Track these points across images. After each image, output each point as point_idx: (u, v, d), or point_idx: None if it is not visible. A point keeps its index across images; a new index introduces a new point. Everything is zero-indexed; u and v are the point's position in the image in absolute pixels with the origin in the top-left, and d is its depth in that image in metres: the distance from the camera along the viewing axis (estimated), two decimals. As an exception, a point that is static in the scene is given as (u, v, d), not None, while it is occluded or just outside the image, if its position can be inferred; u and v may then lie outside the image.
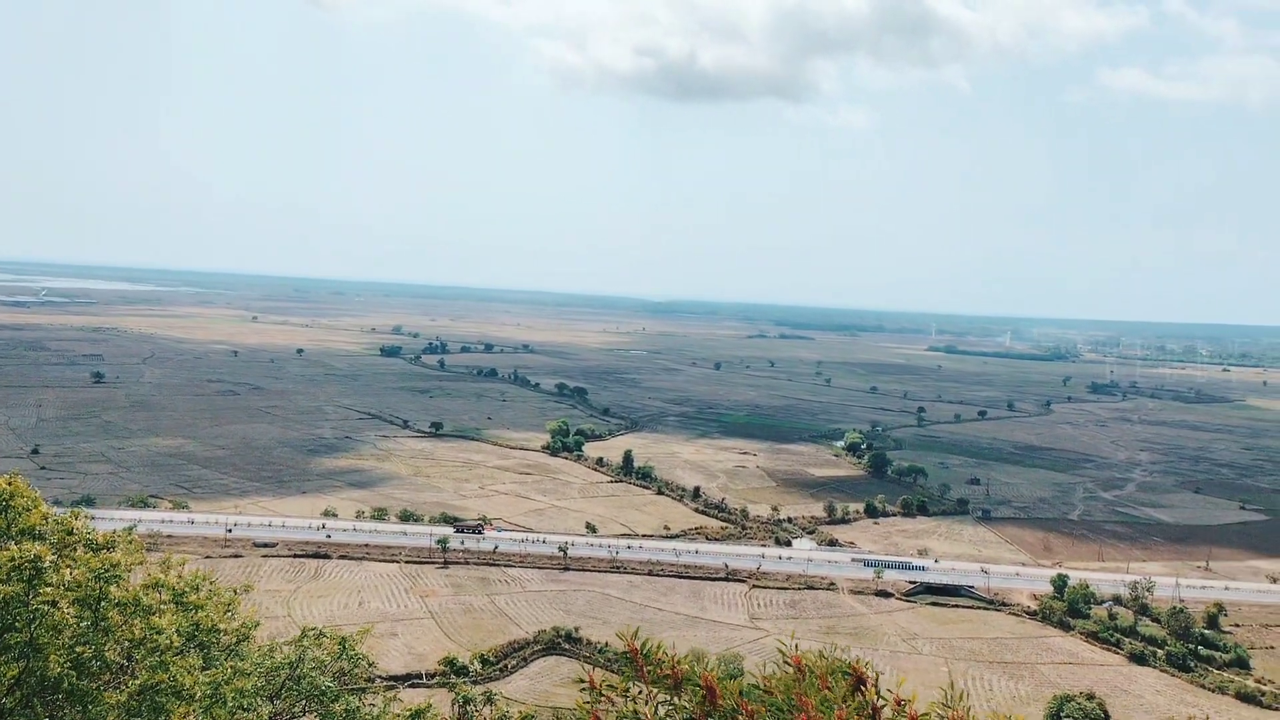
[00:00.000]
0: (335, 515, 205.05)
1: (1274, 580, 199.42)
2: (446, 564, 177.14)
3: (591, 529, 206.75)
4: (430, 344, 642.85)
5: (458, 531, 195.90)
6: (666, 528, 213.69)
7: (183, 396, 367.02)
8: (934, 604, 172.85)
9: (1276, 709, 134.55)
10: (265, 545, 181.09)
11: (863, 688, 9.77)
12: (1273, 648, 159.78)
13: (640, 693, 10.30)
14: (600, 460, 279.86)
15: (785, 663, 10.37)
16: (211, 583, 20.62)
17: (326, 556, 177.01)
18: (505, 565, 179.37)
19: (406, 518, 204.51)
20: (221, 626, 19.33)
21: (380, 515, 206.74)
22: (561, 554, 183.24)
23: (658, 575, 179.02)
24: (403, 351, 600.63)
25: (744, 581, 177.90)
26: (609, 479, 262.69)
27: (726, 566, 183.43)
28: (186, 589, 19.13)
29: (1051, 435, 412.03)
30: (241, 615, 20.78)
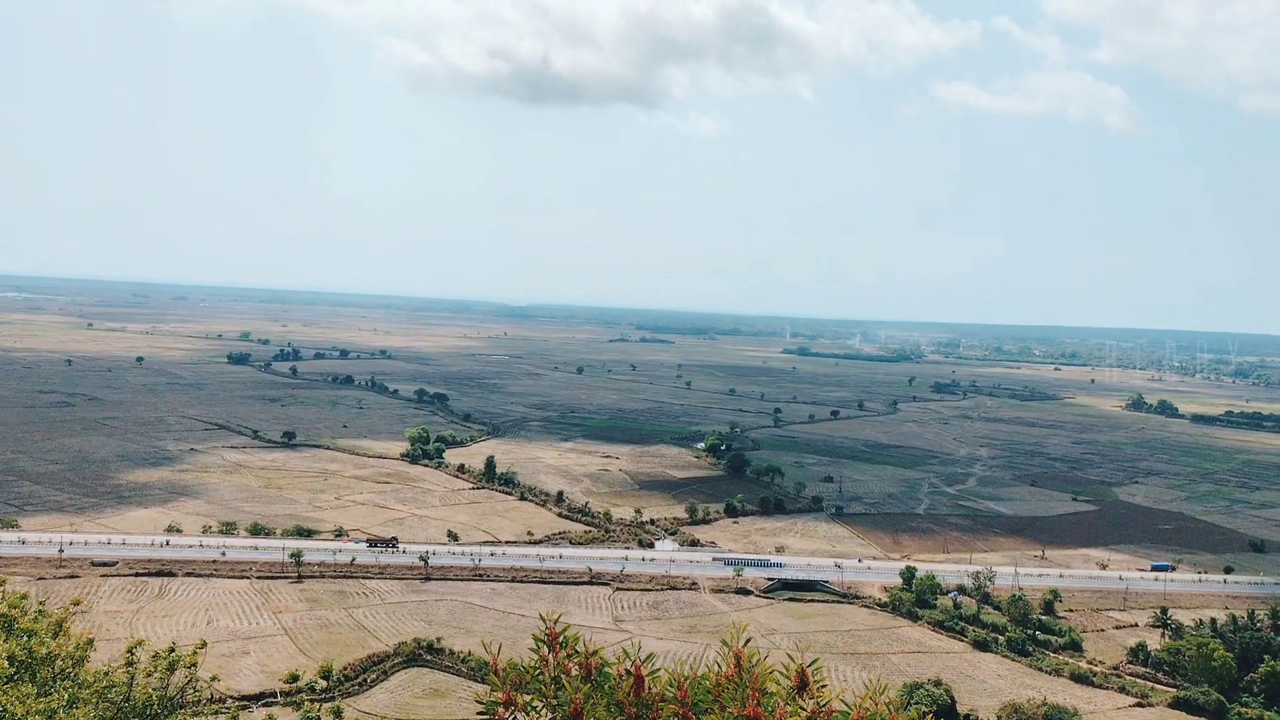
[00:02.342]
0: (180, 531, 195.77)
1: (1103, 567, 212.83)
2: (301, 578, 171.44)
3: (453, 537, 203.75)
4: (281, 350, 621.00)
5: (371, 547, 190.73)
6: (530, 533, 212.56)
7: (11, 409, 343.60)
8: (792, 599, 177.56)
9: (1106, 688, 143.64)
10: (104, 564, 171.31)
11: (805, 689, 9.94)
12: (1103, 630, 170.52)
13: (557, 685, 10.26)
14: (462, 467, 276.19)
15: (720, 659, 10.46)
16: (41, 604, 19.40)
17: (172, 574, 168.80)
18: (363, 577, 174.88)
19: (258, 531, 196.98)
20: (54, 650, 18.20)
21: (229, 530, 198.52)
22: (422, 564, 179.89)
23: (521, 582, 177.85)
24: (252, 359, 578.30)
25: (608, 585, 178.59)
26: (471, 486, 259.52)
27: (590, 570, 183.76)
28: (15, 613, 17.94)
29: (899, 433, 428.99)
30: (74, 637, 19.60)
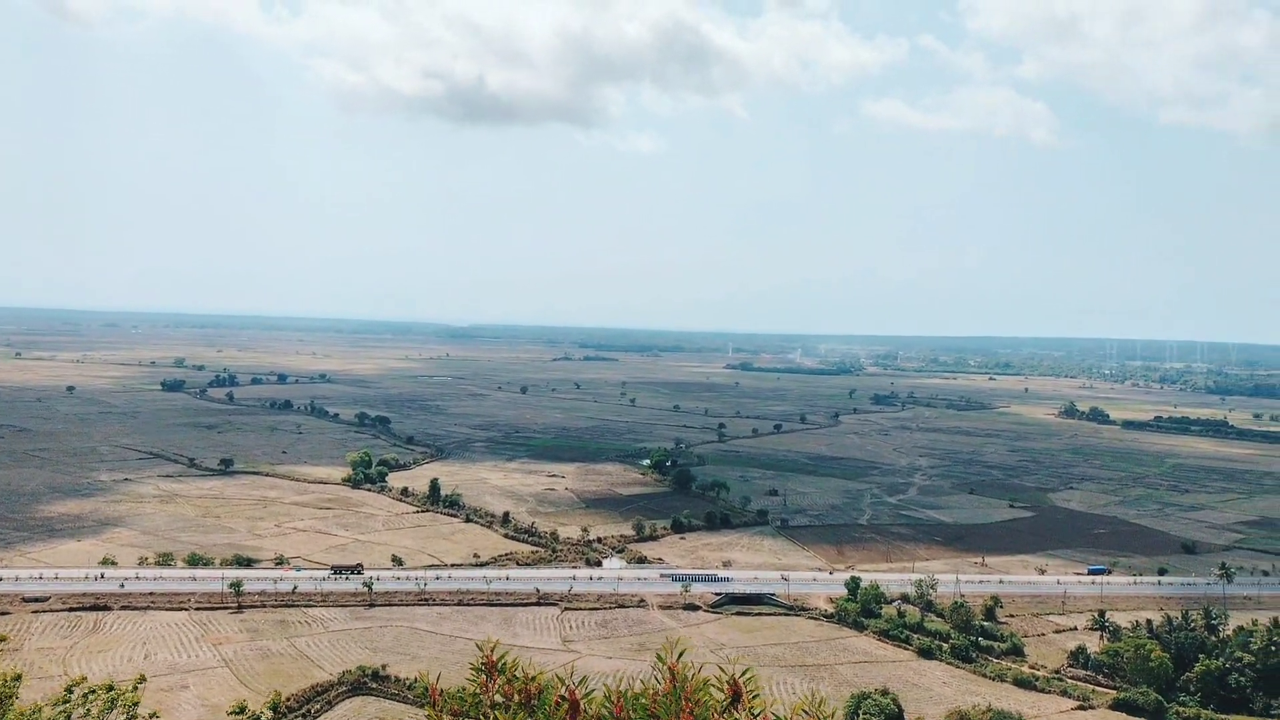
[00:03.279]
0: (115, 563, 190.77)
1: (1042, 572, 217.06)
2: (241, 608, 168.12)
3: (398, 562, 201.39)
4: (217, 376, 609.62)
5: (335, 573, 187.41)
6: (476, 556, 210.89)
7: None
8: (739, 613, 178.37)
9: (1049, 691, 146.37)
10: (35, 599, 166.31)
11: (739, 701, 10.23)
12: (1043, 635, 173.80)
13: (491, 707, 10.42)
14: (405, 490, 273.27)
15: (656, 677, 10.70)
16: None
17: (107, 608, 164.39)
18: (306, 605, 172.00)
19: (196, 562, 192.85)
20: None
21: (166, 560, 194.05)
22: (366, 590, 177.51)
23: (468, 605, 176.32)
24: (187, 385, 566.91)
25: (556, 605, 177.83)
26: (415, 509, 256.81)
27: (538, 591, 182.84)
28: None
29: (841, 445, 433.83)
30: (1, 674, 19.34)
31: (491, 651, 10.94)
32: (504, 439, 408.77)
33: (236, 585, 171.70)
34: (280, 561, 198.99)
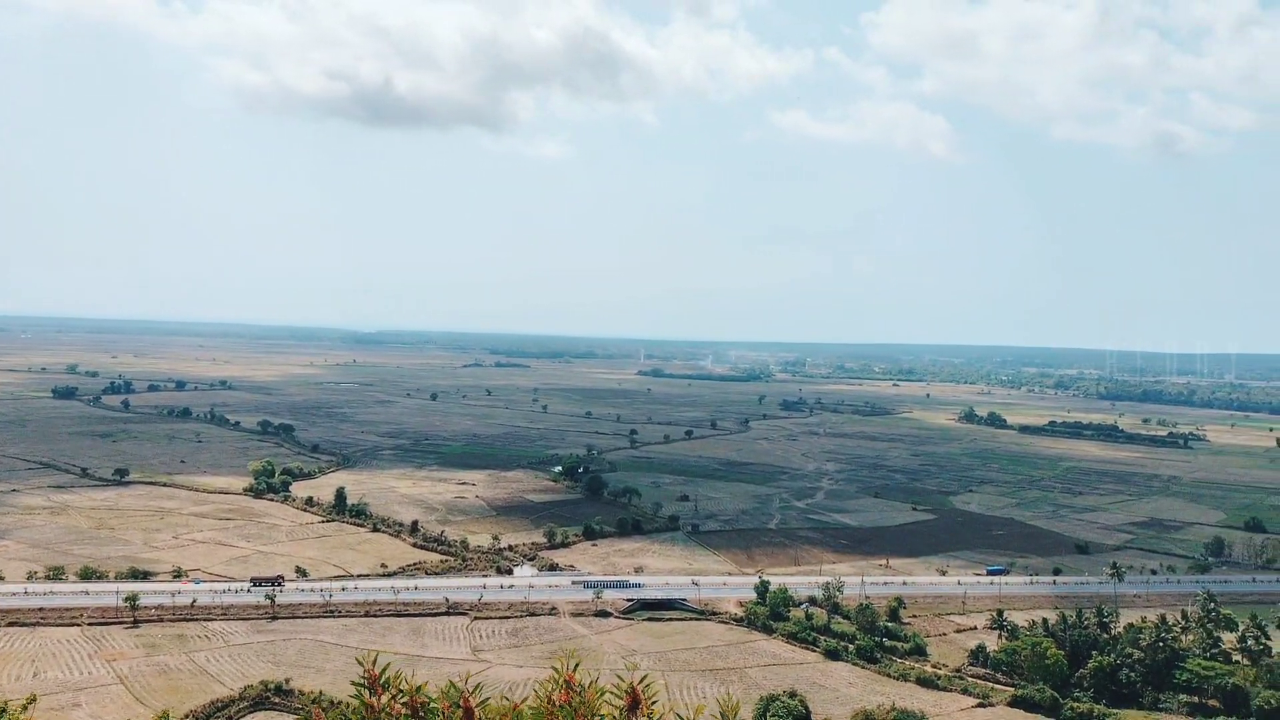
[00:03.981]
0: (2, 578, 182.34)
1: (943, 573, 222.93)
2: (137, 623, 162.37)
3: (302, 573, 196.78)
4: (112, 383, 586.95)
5: (256, 585, 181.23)
6: (384, 566, 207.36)
7: None
8: (651, 619, 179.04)
9: (950, 690, 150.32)
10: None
11: (637, 708, 10.30)
12: (945, 634, 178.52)
13: None
14: (310, 500, 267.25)
15: (553, 685, 10.69)
16: None
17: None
18: (205, 619, 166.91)
19: (88, 575, 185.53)
20: None
21: (57, 574, 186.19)
22: (269, 602, 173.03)
23: (375, 616, 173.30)
24: (79, 392, 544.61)
25: (466, 614, 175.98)
26: (320, 519, 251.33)
27: (447, 600, 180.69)
28: None
29: (751, 451, 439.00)
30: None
31: (373, 665, 10.82)
32: (413, 446, 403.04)
33: (132, 599, 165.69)
34: (179, 574, 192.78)
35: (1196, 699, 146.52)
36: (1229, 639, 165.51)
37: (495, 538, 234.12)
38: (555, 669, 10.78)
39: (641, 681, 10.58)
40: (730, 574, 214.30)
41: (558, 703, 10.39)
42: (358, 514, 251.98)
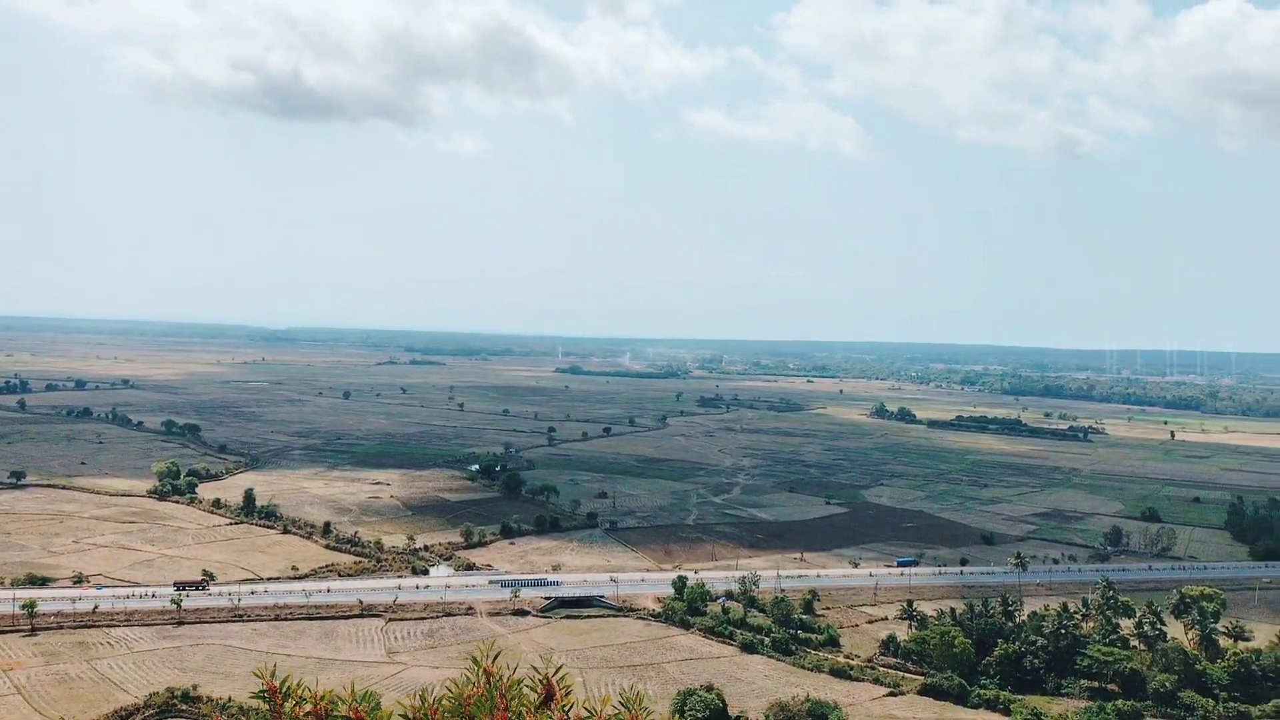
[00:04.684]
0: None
1: (855, 565, 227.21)
2: (35, 630, 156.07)
3: (210, 576, 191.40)
4: (7, 382, 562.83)
5: (179, 590, 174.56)
6: (295, 568, 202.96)
7: None
8: (569, 617, 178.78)
9: (863, 680, 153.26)
10: None
11: (552, 699, 10.30)
12: (857, 625, 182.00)
13: None
14: (218, 502, 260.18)
15: (472, 675, 10.62)
16: None
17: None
18: (108, 626, 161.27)
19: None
20: None
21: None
22: (175, 607, 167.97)
23: (286, 620, 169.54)
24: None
25: (380, 616, 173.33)
26: (228, 521, 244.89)
27: (361, 602, 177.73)
28: None
29: (668, 447, 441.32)
30: None
31: (271, 676, 10.61)
32: (325, 446, 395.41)
33: (29, 606, 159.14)
34: (79, 580, 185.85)
35: (1097, 684, 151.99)
36: (1127, 625, 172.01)
37: (410, 538, 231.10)
38: (474, 659, 10.73)
39: (556, 674, 10.61)
40: (648, 570, 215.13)
41: (476, 694, 10.36)
42: (267, 516, 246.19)
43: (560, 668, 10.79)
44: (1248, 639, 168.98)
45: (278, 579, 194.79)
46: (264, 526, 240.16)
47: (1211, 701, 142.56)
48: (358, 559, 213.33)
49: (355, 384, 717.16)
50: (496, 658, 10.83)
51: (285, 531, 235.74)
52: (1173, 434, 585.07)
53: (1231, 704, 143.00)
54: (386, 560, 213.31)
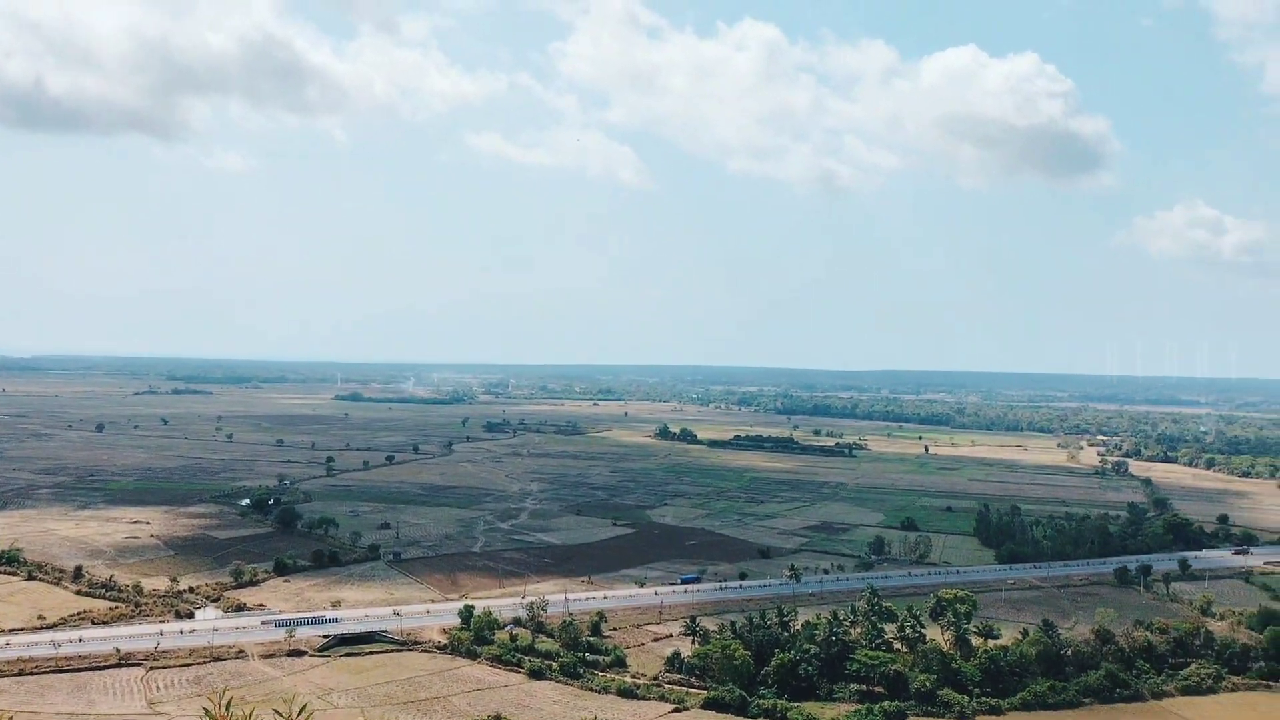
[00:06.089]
0: None
1: (641, 585, 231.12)
2: None
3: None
4: None
5: None
6: (42, 617, 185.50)
7: None
8: (349, 654, 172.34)
9: (649, 698, 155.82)
10: None
11: None
12: (643, 645, 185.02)
13: None
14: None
15: None
16: None
17: None
18: None
19: None
20: None
21: None
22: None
23: (31, 674, 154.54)
24: None
25: (140, 665, 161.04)
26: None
27: (119, 651, 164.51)
28: None
29: (455, 474, 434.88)
30: None
31: None
32: (76, 484, 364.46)
33: None
34: None
35: (865, 686, 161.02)
36: (890, 629, 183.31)
37: (174, 579, 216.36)
38: (206, 710, 10.66)
39: (301, 713, 10.73)
40: (434, 601, 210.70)
41: None
42: (10, 561, 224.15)
43: (305, 707, 10.90)
44: (996, 637, 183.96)
45: (21, 630, 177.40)
46: (5, 573, 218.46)
47: (966, 698, 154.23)
48: (114, 604, 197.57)
49: (111, 415, 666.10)
50: (229, 704, 10.81)
51: (30, 578, 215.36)
52: (926, 448, 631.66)
53: (984, 699, 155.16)
54: (147, 604, 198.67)
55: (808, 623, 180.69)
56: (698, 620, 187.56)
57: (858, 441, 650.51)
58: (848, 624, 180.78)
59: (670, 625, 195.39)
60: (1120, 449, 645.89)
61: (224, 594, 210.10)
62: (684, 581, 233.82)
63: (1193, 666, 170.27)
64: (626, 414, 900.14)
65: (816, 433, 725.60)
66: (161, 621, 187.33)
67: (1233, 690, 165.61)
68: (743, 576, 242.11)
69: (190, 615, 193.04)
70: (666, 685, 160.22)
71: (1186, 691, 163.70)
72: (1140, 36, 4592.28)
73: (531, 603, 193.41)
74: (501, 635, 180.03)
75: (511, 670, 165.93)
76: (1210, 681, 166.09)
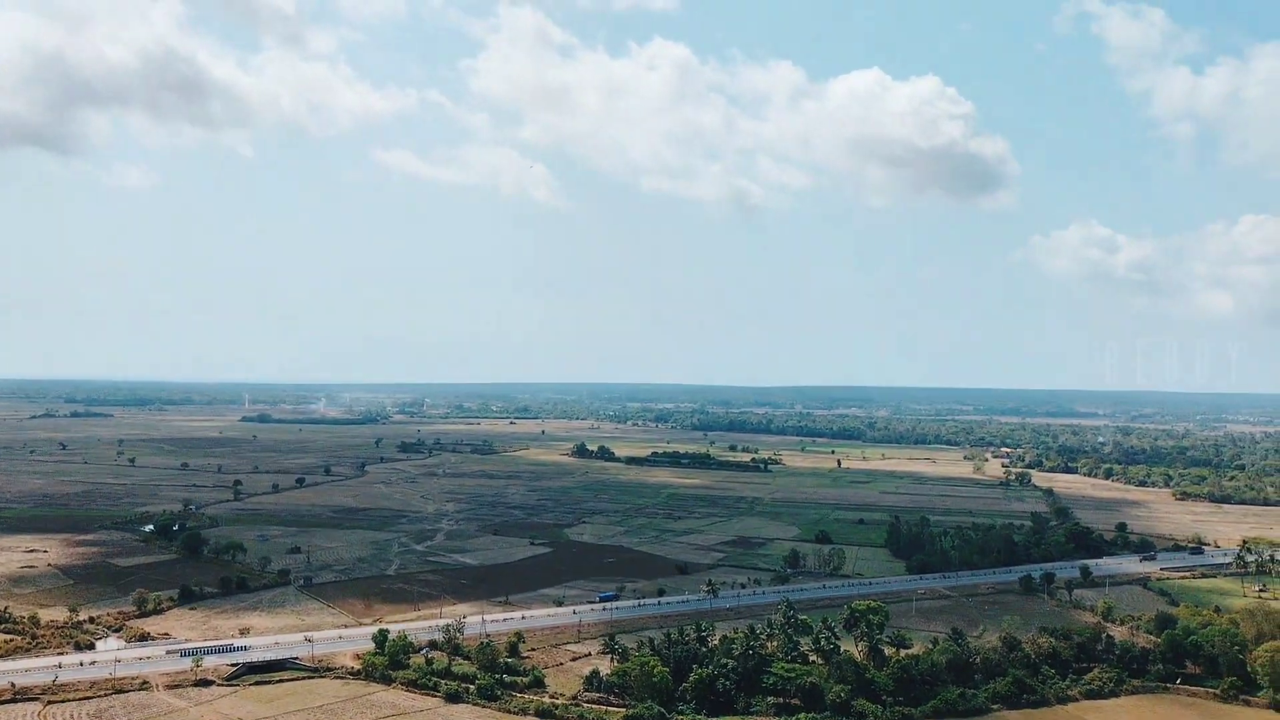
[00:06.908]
0: None
1: (559, 604, 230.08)
2: None
3: None
4: None
5: None
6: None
7: None
8: (259, 683, 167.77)
9: (567, 718, 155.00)
10: None
11: None
12: (562, 664, 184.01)
13: None
14: None
15: None
16: None
17: None
18: None
19: None
20: None
21: None
22: None
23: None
24: None
25: (37, 699, 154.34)
26: None
27: (13, 685, 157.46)
28: None
29: (368, 495, 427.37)
30: None
31: None
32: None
33: None
34: None
35: (782, 699, 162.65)
36: (806, 642, 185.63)
37: (74, 609, 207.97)
38: None
39: None
40: (347, 626, 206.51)
41: None
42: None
43: None
44: (908, 646, 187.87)
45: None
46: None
47: (880, 707, 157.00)
48: (9, 637, 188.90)
49: (4, 440, 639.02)
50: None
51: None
52: (839, 462, 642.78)
53: (897, 708, 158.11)
54: (44, 636, 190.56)
55: (725, 637, 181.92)
56: (616, 638, 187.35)
57: (773, 456, 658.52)
58: (764, 637, 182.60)
59: (589, 644, 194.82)
60: (1023, 460, 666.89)
61: (127, 624, 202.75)
62: (602, 599, 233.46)
63: (1095, 671, 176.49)
64: (543, 432, 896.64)
65: (733, 448, 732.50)
66: (60, 653, 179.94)
67: (1133, 693, 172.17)
68: (661, 593, 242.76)
69: (91, 646, 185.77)
70: (585, 704, 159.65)
71: (1090, 695, 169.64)
72: (1034, 62, 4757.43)
73: (448, 625, 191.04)
74: (417, 659, 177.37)
75: (428, 694, 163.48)
76: (1112, 685, 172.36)
